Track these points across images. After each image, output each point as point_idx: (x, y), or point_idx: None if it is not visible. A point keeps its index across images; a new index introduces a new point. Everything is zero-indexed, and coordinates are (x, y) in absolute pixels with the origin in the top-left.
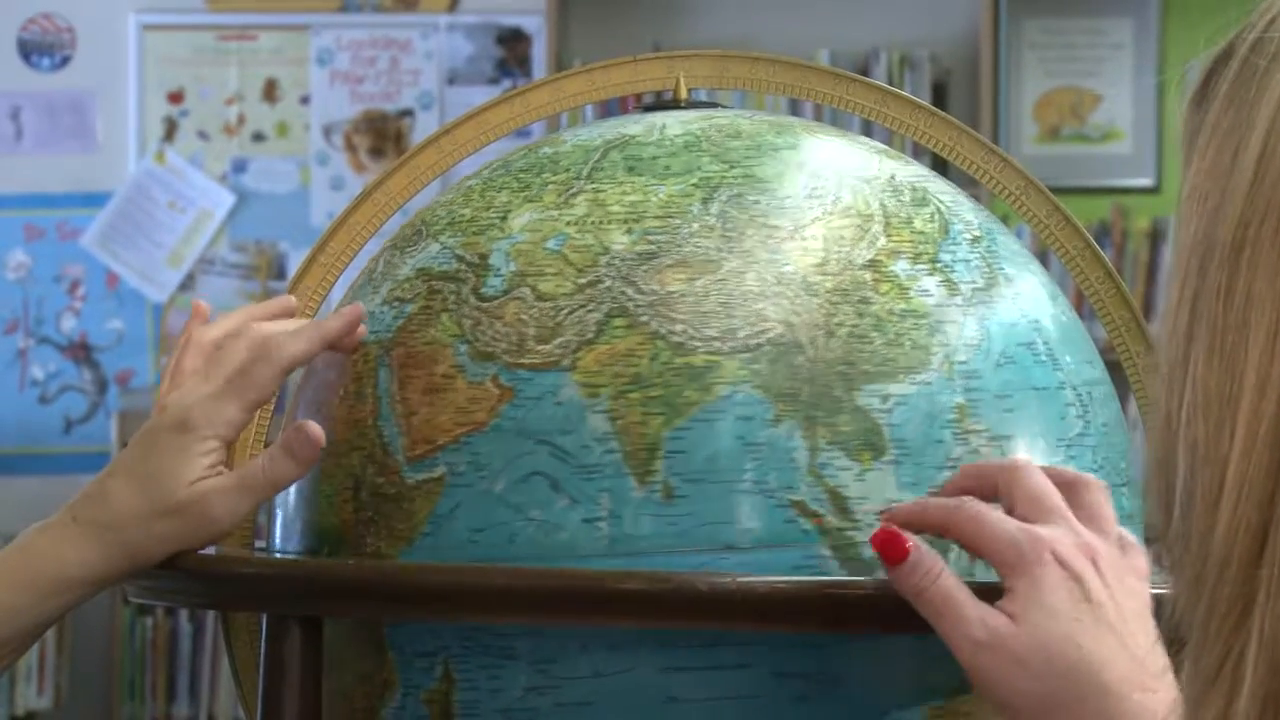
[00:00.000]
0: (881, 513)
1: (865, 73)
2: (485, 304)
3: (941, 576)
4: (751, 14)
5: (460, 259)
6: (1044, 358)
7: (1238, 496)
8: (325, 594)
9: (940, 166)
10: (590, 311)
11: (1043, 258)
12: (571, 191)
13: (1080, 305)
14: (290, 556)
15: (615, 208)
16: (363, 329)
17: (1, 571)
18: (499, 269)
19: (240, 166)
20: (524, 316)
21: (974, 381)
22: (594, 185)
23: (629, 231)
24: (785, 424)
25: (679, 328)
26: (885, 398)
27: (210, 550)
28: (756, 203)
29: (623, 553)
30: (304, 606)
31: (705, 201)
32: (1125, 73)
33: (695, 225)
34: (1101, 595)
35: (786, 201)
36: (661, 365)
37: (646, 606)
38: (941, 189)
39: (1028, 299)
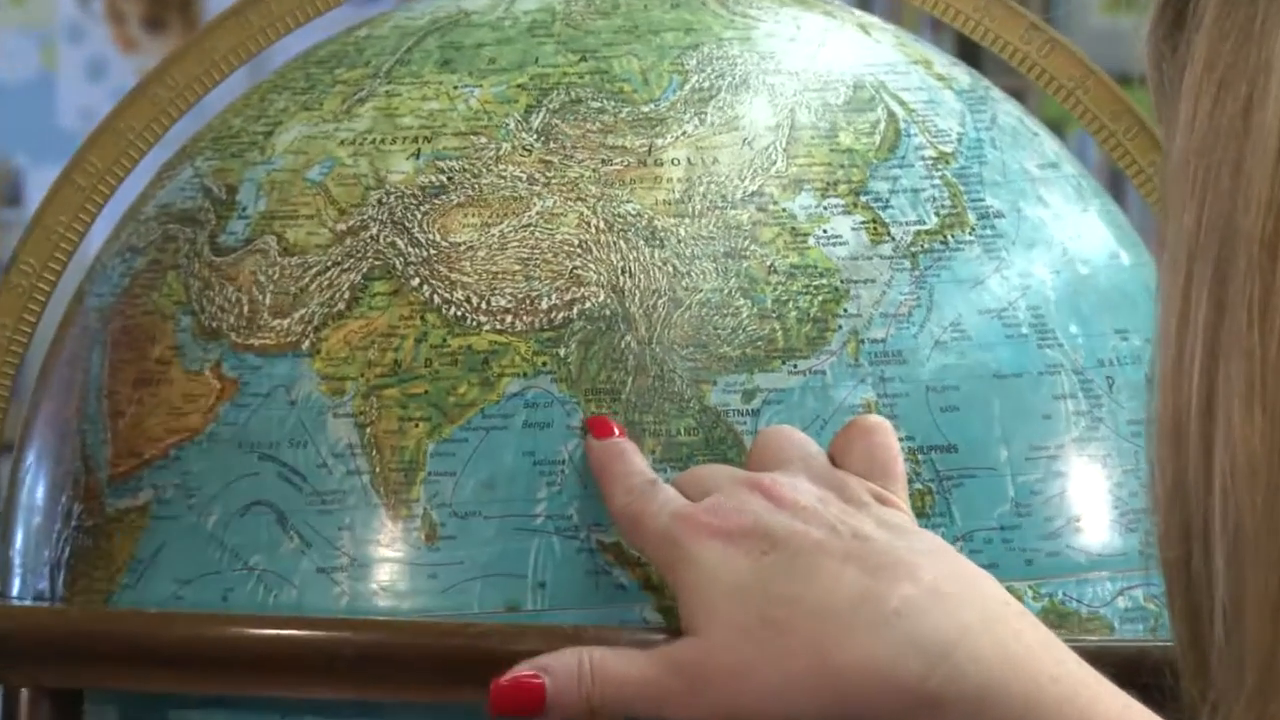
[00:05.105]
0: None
1: None
2: (220, 258)
3: (597, 681)
4: None
5: (207, 192)
6: (1025, 330)
7: None
8: (92, 657)
9: (970, 53)
10: (345, 271)
11: (1110, 179)
12: (359, 96)
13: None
14: (35, 604)
15: (407, 119)
16: None
17: None
18: (245, 208)
19: None
20: (261, 278)
21: (893, 369)
22: (389, 87)
23: (416, 155)
24: None
25: (459, 295)
26: (750, 393)
27: None
28: (601, 112)
29: (364, 615)
30: (60, 676)
31: (529, 111)
32: None
33: (506, 146)
34: (790, 527)
35: (645, 109)
36: (431, 350)
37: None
38: (914, 84)
39: (1020, 242)
